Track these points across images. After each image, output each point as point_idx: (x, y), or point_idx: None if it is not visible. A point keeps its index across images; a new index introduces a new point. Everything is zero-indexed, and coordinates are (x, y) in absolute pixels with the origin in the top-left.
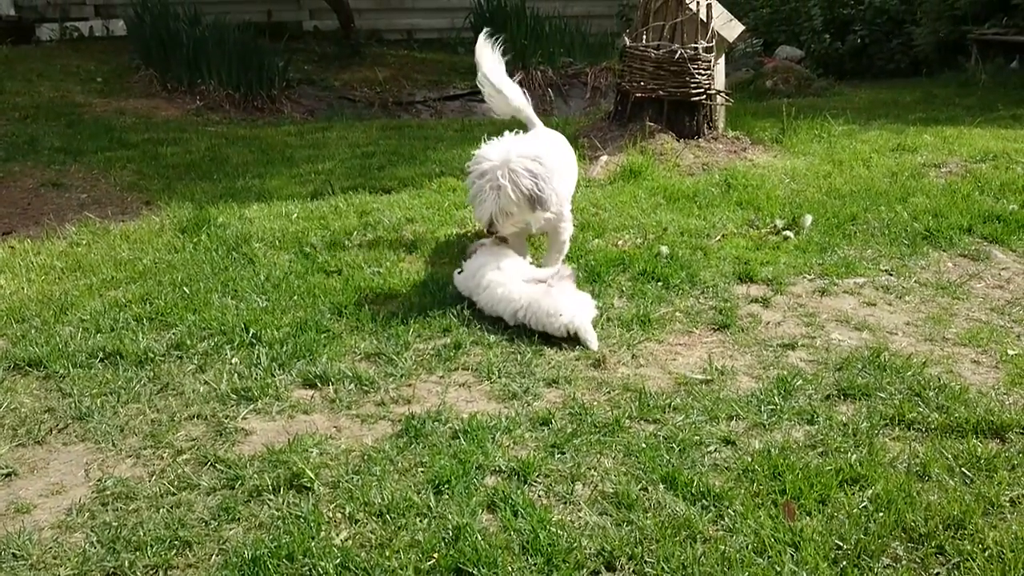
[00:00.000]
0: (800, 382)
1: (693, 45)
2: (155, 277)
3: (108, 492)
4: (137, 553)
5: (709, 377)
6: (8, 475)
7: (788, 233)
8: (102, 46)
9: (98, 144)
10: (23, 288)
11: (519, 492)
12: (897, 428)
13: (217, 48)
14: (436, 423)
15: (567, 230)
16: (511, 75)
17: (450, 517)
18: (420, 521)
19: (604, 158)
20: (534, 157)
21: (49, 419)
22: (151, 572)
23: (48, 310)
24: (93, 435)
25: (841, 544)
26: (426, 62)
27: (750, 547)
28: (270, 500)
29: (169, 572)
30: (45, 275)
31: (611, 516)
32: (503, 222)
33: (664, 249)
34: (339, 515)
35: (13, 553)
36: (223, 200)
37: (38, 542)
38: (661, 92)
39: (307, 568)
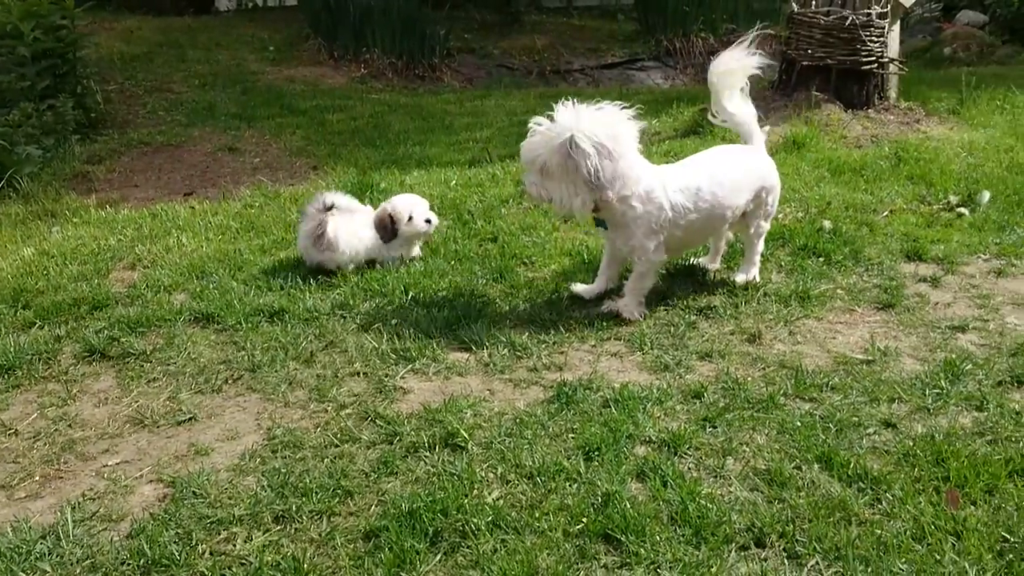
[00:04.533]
0: (970, 366)
1: (866, 11)
2: None
3: (277, 440)
4: (304, 499)
5: (871, 357)
6: (189, 420)
7: (963, 210)
8: (275, 16)
9: (270, 110)
10: (202, 246)
11: (669, 463)
12: None
13: (382, 17)
14: (587, 391)
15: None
16: (671, 43)
17: (599, 483)
18: (570, 486)
19: (766, 128)
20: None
21: (225, 370)
22: (316, 517)
23: (224, 267)
24: (263, 387)
25: (1008, 536)
26: (585, 30)
27: (908, 533)
28: (426, 457)
29: (332, 519)
30: (222, 234)
31: (762, 493)
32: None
33: (827, 224)
34: (491, 475)
35: (194, 491)
36: (385, 166)
37: (215, 483)
38: (829, 60)
39: (460, 523)
